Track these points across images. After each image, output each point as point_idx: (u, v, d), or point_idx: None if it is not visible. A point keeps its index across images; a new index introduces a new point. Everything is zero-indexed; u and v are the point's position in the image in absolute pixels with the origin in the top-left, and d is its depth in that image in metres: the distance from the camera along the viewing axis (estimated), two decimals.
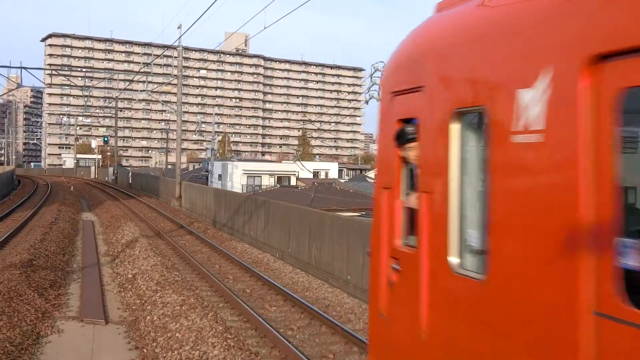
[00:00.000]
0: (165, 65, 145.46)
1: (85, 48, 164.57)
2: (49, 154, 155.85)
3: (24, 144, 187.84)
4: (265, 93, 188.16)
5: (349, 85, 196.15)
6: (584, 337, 2.48)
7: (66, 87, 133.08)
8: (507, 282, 2.99)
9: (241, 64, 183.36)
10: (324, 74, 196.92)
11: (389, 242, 4.29)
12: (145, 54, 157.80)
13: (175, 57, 41.82)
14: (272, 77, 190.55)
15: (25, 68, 34.41)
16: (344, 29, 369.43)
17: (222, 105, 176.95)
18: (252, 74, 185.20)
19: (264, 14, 19.86)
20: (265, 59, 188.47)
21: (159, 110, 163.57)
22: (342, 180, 72.34)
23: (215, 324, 10.97)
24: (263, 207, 22.18)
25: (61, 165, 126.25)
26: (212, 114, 72.17)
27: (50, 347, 10.42)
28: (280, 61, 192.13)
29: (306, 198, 41.82)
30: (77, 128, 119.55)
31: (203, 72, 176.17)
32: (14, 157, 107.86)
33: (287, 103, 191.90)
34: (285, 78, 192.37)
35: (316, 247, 17.24)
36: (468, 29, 3.60)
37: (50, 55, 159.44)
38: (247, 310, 12.12)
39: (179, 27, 39.17)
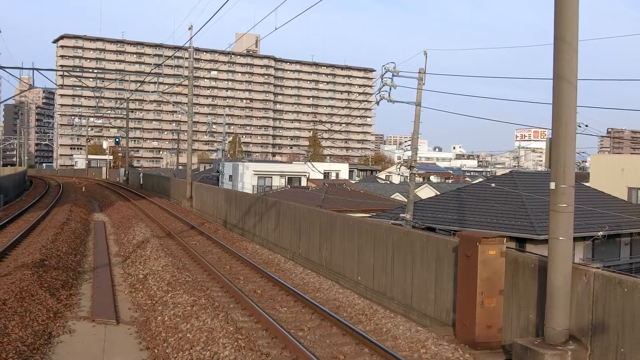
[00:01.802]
0: (176, 66, 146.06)
1: (96, 49, 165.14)
2: (61, 155, 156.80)
3: (36, 144, 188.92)
4: (275, 94, 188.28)
5: (359, 86, 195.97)
6: None
7: (78, 88, 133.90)
8: None
9: (252, 65, 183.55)
10: (334, 75, 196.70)
11: None
12: (156, 55, 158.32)
13: (186, 58, 41.89)
14: (282, 78, 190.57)
15: (37, 69, 34.49)
16: (355, 29, 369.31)
17: (232, 106, 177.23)
18: (263, 74, 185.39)
19: (275, 15, 19.86)
20: (275, 59, 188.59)
21: (170, 111, 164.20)
22: (353, 181, 72.32)
23: (226, 325, 10.97)
24: (274, 208, 22.17)
25: (73, 165, 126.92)
26: (222, 114, 72.27)
27: (62, 347, 10.47)
28: (291, 62, 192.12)
29: (317, 199, 41.89)
30: (89, 129, 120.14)
31: (214, 73, 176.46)
32: (26, 157, 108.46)
33: (298, 104, 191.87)
34: (295, 79, 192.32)
35: (327, 248, 17.21)
36: None
37: (62, 56, 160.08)
38: (258, 311, 12.11)
39: (190, 28, 39.35)
